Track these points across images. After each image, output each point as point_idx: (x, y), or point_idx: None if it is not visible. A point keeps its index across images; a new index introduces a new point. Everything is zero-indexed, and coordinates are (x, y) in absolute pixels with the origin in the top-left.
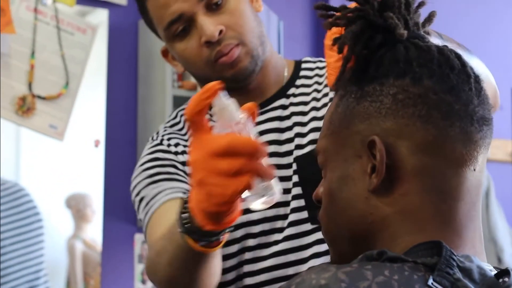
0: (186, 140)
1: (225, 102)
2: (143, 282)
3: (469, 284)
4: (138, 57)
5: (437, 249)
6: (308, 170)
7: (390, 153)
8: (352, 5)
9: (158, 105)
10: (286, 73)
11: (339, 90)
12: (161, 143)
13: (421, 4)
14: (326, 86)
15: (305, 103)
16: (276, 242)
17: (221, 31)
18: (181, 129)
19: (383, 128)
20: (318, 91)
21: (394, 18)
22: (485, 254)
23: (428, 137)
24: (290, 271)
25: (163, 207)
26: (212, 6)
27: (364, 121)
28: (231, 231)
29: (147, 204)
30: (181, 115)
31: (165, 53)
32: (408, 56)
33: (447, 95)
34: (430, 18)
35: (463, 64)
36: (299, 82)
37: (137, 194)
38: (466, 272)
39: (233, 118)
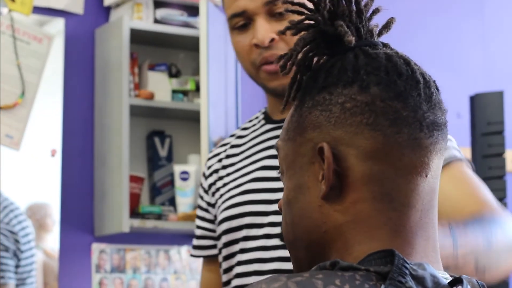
0: (226, 150)
1: None
2: None
3: None
4: (95, 66)
5: (390, 257)
6: None
7: (340, 161)
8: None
9: (114, 114)
10: None
11: (294, 100)
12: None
13: (374, 12)
14: None
15: None
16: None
17: (272, 40)
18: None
19: (333, 137)
20: None
21: (343, 26)
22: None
23: (376, 144)
24: (251, 280)
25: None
26: (274, 14)
27: (315, 130)
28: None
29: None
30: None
31: None
32: (357, 64)
33: (394, 101)
34: (388, 25)
35: (412, 70)
36: None
37: None
38: (419, 280)
39: None
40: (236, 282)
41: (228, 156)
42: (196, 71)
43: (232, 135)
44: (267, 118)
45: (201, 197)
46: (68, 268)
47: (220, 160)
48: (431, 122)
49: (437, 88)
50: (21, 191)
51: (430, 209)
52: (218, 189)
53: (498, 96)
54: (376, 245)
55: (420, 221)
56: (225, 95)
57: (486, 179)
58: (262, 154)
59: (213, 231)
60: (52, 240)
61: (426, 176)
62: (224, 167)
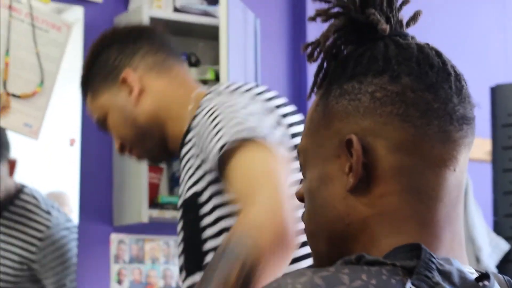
0: None
1: None
2: (119, 282)
3: None
4: None
5: (417, 251)
6: (188, 215)
7: (368, 153)
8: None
9: None
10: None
11: (320, 89)
12: None
13: (404, 2)
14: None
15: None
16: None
17: (122, 146)
18: None
19: (361, 127)
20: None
21: (376, 14)
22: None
23: (406, 136)
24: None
25: None
26: (106, 128)
27: (343, 120)
28: None
29: None
30: None
31: None
32: (387, 54)
33: (426, 93)
34: (415, 17)
35: (444, 62)
36: (193, 123)
37: None
38: (446, 275)
39: None
40: None
41: None
42: (215, 61)
43: None
44: None
45: None
46: (86, 258)
47: None
48: (461, 116)
49: (465, 82)
50: (39, 180)
51: (457, 204)
52: None
53: None
54: (403, 238)
55: (447, 215)
56: None
57: (506, 170)
58: None
59: None
60: None
61: (455, 170)
62: None
